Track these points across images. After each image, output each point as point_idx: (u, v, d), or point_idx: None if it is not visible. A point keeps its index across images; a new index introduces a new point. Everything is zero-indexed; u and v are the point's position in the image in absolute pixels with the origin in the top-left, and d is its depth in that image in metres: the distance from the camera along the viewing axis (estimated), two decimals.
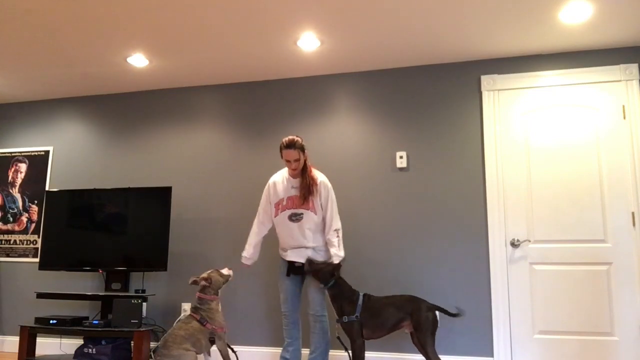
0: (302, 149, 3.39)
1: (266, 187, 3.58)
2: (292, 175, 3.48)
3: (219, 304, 3.44)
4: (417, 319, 3.18)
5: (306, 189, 3.40)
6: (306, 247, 3.41)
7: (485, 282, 3.75)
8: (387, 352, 3.81)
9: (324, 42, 3.75)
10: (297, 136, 3.41)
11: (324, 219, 3.45)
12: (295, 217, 3.42)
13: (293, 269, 3.47)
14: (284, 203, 3.47)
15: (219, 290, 3.46)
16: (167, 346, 3.22)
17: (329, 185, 3.48)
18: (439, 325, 3.24)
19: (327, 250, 3.43)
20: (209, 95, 4.59)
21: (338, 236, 3.40)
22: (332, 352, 3.61)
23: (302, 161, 3.42)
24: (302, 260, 3.41)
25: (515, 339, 3.66)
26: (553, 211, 3.73)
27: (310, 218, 3.40)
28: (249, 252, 3.58)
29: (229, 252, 4.25)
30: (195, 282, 3.43)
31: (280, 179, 3.53)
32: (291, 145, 3.36)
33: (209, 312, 3.36)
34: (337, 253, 3.36)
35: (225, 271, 3.53)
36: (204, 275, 3.43)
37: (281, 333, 3.68)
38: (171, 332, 3.28)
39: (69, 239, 4.30)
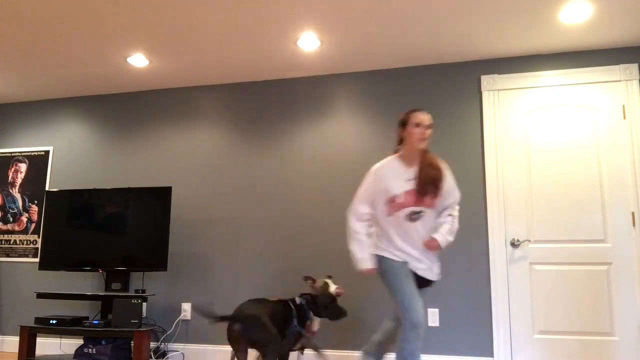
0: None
1: (370, 179, 2.81)
2: (419, 146, 2.77)
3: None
4: None
5: (429, 180, 2.70)
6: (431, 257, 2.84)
7: (485, 282, 3.75)
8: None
9: (324, 42, 3.75)
10: None
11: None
12: (415, 215, 2.74)
13: (420, 281, 2.82)
14: (401, 200, 2.74)
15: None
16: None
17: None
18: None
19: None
20: (209, 95, 4.59)
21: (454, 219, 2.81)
22: (328, 351, 3.59)
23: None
24: (432, 277, 2.84)
25: (515, 339, 3.66)
26: (553, 211, 3.73)
27: (430, 218, 2.78)
28: (367, 252, 2.79)
29: (229, 252, 4.25)
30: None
31: (391, 170, 2.78)
32: (421, 109, 2.79)
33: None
34: (447, 237, 2.76)
35: (333, 289, 3.27)
36: (317, 287, 3.27)
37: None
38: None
39: (69, 239, 4.30)
